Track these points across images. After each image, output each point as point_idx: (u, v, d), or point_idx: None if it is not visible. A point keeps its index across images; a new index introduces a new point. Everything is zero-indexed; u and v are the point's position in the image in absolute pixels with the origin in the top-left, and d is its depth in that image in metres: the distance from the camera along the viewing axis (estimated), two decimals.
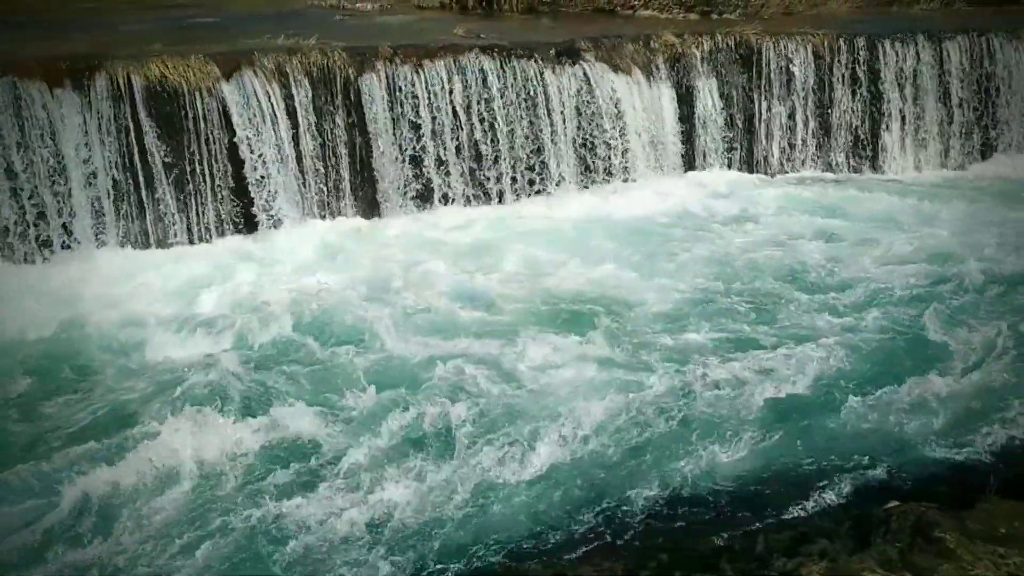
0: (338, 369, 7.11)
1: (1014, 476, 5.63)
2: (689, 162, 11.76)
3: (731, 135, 11.93)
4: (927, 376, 6.97)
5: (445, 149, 10.20)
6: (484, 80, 10.33)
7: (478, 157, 10.41)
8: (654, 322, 7.91)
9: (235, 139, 9.25)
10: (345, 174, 9.91)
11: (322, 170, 9.79)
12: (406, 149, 10.05)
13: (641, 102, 11.30)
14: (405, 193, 10.16)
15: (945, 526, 4.60)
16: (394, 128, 9.96)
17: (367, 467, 5.95)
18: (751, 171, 12.07)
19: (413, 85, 9.99)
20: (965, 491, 5.48)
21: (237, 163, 9.30)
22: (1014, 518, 4.65)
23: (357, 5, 13.20)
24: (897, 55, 12.27)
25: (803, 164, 12.21)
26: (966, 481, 5.82)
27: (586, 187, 11.05)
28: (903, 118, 12.40)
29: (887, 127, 12.34)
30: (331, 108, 9.71)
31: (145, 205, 9.07)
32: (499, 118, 10.40)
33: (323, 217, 9.85)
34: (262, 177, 9.40)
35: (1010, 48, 12.76)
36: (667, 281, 8.70)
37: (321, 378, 6.99)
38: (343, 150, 9.84)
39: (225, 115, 9.18)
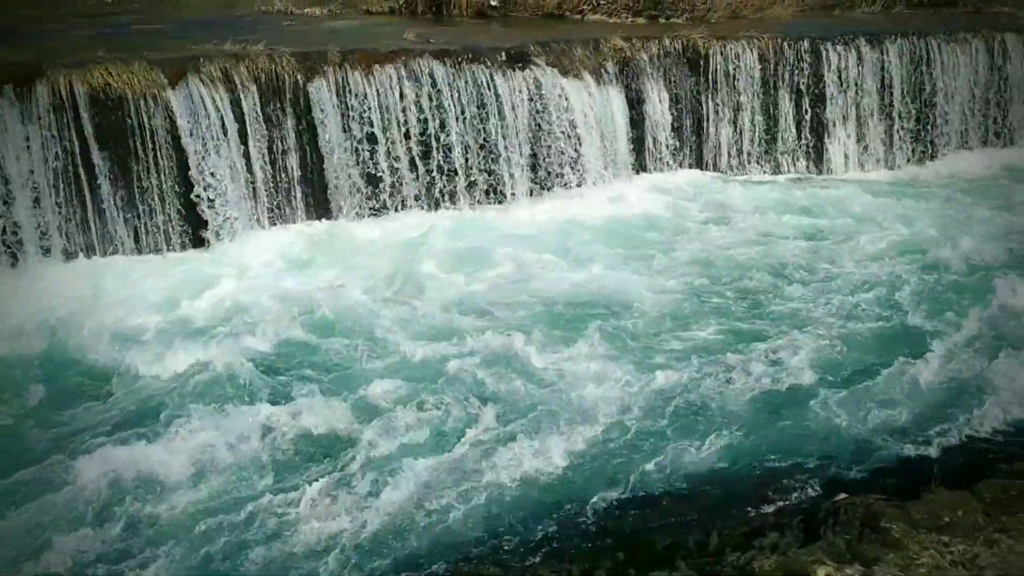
0: (345, 371, 7.18)
1: (958, 466, 5.80)
2: (640, 164, 11.88)
3: (680, 137, 12.08)
4: (900, 370, 7.17)
5: (398, 154, 10.17)
6: (436, 84, 10.32)
7: (433, 162, 10.39)
8: (647, 322, 8.03)
9: (182, 146, 9.11)
10: (297, 181, 9.82)
11: (273, 177, 9.69)
12: (358, 154, 10.00)
13: (592, 106, 11.37)
14: (359, 198, 10.10)
15: (891, 517, 4.71)
16: (345, 133, 9.91)
17: (356, 469, 6.03)
18: (701, 172, 12.23)
19: (364, 90, 9.94)
20: (912, 482, 5.63)
21: (184, 171, 9.16)
22: (956, 507, 4.78)
23: (305, 10, 13.09)
24: (840, 57, 12.54)
25: (751, 165, 12.40)
26: (913, 472, 5.97)
27: (543, 191, 11.10)
28: (847, 120, 12.67)
29: (832, 128, 12.60)
30: (280, 114, 9.62)
31: (91, 216, 8.88)
32: (452, 122, 10.40)
33: (275, 224, 9.76)
34: (211, 184, 9.27)
35: (948, 50, 13.12)
36: (660, 281, 8.84)
37: (331, 380, 7.05)
38: (294, 156, 9.76)
39: (171, 123, 9.04)
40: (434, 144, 10.34)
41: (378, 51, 10.30)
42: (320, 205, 9.98)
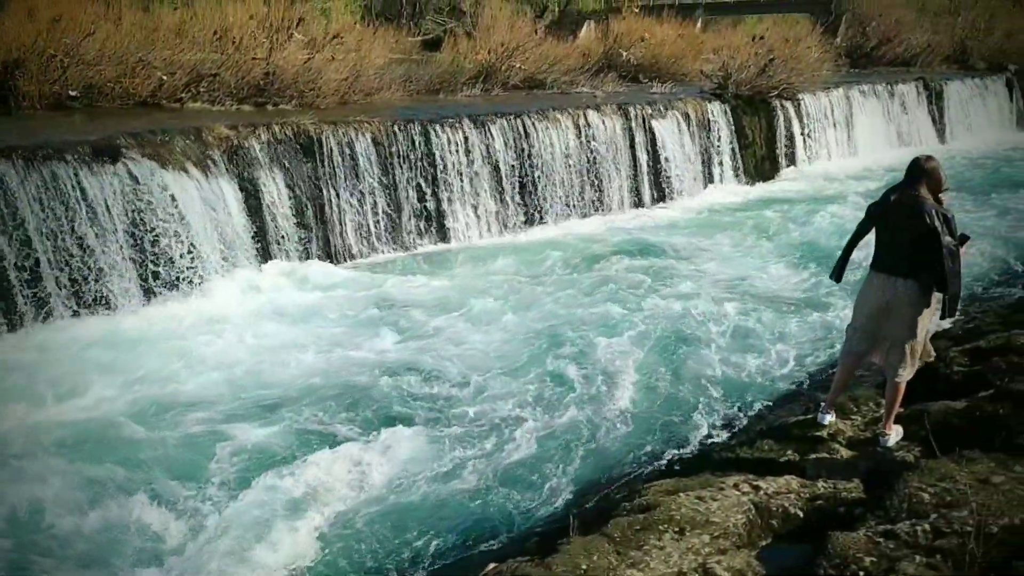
0: None
1: (591, 511, 5.90)
2: (264, 255, 11.29)
3: (303, 225, 11.73)
4: (519, 425, 7.26)
5: None
6: (3, 186, 8.92)
7: (9, 275, 8.89)
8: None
9: None
10: None
11: None
12: None
13: (201, 199, 10.62)
14: None
15: None
16: None
17: None
18: (331, 260, 11.94)
19: None
20: (553, 536, 5.61)
21: None
22: (591, 552, 4.78)
23: None
24: (448, 136, 13.13)
25: (378, 246, 12.39)
26: (554, 526, 5.98)
27: (156, 294, 10.02)
28: (463, 192, 13.25)
29: (449, 202, 13.08)
30: None
31: None
32: (30, 228, 9.02)
33: None
34: None
35: (541, 127, 14.36)
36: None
37: None
38: None
39: None
40: (9, 254, 8.87)
41: None
42: None
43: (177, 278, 10.19)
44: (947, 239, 5.26)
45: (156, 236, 10.02)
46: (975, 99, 26.21)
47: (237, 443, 6.93)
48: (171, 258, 10.15)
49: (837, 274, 5.90)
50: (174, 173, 10.42)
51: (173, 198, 10.23)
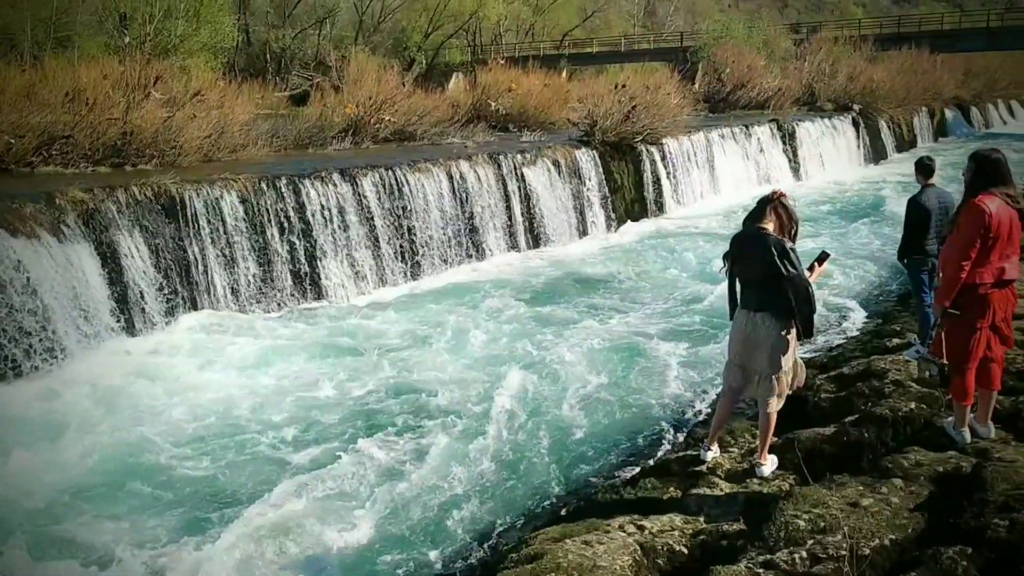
0: None
1: (477, 564, 5.77)
2: (128, 323, 10.70)
3: (169, 287, 11.21)
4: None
5: None
6: None
7: None
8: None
9: None
10: None
11: None
12: None
13: (55, 267, 9.99)
14: None
15: None
16: None
17: None
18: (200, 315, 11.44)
19: None
20: None
21: None
22: None
23: None
24: (318, 191, 12.91)
25: (249, 306, 11.96)
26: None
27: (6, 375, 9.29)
28: (337, 249, 12.99)
29: (323, 258, 12.79)
30: None
31: None
32: None
33: None
34: None
35: (413, 178, 14.33)
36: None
37: None
38: None
39: None
40: None
41: None
42: None
43: (29, 355, 9.48)
44: (790, 270, 5.43)
45: (5, 310, 9.34)
46: (825, 138, 28.00)
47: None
48: (22, 334, 9.47)
49: (732, 314, 6.00)
50: (23, 241, 9.78)
51: (23, 267, 9.58)
